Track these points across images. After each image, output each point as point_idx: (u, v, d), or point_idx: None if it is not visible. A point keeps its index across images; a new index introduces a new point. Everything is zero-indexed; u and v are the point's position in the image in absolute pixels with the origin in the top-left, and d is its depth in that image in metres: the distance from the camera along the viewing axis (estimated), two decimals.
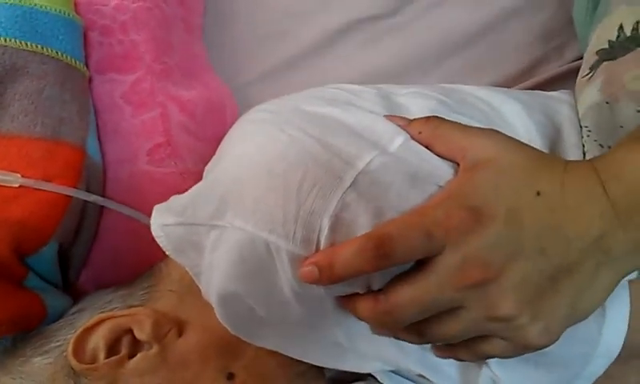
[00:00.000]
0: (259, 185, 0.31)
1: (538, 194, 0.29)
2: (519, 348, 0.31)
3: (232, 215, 0.32)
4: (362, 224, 0.30)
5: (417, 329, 0.31)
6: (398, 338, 0.32)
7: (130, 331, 0.37)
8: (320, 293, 0.31)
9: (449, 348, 0.33)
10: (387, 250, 0.29)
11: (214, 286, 0.33)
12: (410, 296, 0.29)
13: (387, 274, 0.30)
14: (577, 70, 0.56)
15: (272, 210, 0.31)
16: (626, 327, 0.34)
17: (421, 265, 0.30)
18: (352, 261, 0.29)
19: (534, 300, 0.29)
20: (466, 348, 0.32)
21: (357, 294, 0.31)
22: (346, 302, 0.32)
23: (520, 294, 0.29)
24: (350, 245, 0.29)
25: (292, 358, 0.36)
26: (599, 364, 0.35)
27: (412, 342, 0.32)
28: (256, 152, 0.33)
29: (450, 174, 0.31)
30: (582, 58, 0.58)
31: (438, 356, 0.34)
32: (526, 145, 0.32)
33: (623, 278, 0.31)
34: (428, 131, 0.33)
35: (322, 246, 0.30)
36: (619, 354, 0.35)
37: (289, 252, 0.31)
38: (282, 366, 0.37)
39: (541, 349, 0.30)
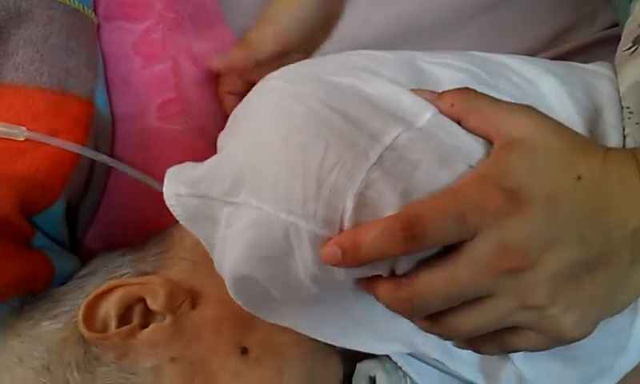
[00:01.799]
0: (276, 161, 0.30)
1: (579, 178, 0.28)
2: (551, 340, 0.29)
3: (247, 193, 0.30)
4: (389, 203, 0.28)
5: (438, 319, 0.29)
6: (419, 327, 0.31)
7: (142, 300, 0.36)
8: (340, 276, 0.30)
9: (470, 339, 0.31)
10: (417, 232, 0.27)
11: (227, 265, 0.32)
12: (436, 282, 0.28)
13: (413, 259, 0.29)
14: (610, 38, 0.54)
15: (291, 189, 0.29)
16: None
17: (448, 250, 0.28)
18: (378, 243, 0.27)
19: (570, 290, 0.28)
20: (492, 340, 0.30)
21: (378, 276, 0.30)
22: (366, 283, 0.31)
23: (556, 282, 0.27)
24: (377, 225, 0.28)
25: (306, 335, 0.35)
26: (630, 358, 0.34)
27: (431, 333, 0.30)
28: (272, 126, 0.31)
29: (481, 152, 0.29)
30: (614, 26, 0.55)
31: (458, 347, 0.32)
32: (564, 126, 0.30)
33: None
34: (461, 104, 0.31)
35: (345, 227, 0.29)
36: None
37: (309, 232, 0.29)
38: (296, 341, 0.36)
39: (574, 341, 0.29)
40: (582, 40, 0.54)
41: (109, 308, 0.36)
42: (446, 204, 0.27)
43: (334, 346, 0.37)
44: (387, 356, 0.38)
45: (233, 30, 0.49)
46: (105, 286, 0.36)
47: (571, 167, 0.28)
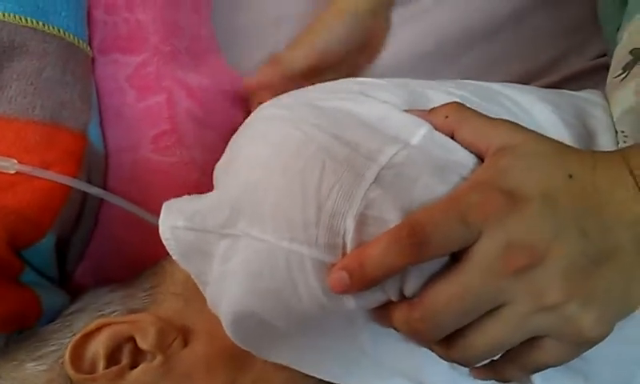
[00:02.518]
0: (274, 189, 0.29)
1: (570, 176, 0.28)
2: (574, 344, 0.28)
3: (246, 224, 0.30)
4: (390, 220, 0.28)
5: (456, 342, 0.28)
6: (439, 356, 0.30)
7: (131, 339, 0.35)
8: (350, 306, 0.29)
9: (490, 366, 0.30)
10: (422, 237, 0.26)
11: (228, 303, 0.31)
12: (447, 295, 0.27)
13: (420, 276, 0.28)
14: (599, 67, 0.55)
15: (290, 216, 0.29)
16: None
17: (455, 261, 0.28)
18: (384, 256, 0.27)
19: (583, 285, 0.27)
20: (512, 362, 0.29)
21: (389, 305, 0.29)
22: (380, 313, 0.30)
23: (568, 277, 0.27)
24: (381, 239, 0.27)
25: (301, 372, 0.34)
26: None
27: (451, 360, 0.29)
28: (268, 153, 0.31)
29: (473, 163, 0.30)
30: (603, 56, 0.56)
31: (477, 378, 0.31)
32: (549, 137, 0.31)
33: None
34: (455, 116, 0.31)
35: (348, 249, 0.28)
36: None
37: (313, 259, 0.29)
38: (291, 380, 0.35)
39: (594, 343, 0.28)
40: (572, 69, 0.55)
41: (97, 347, 0.34)
42: (447, 208, 0.27)
43: None
44: None
45: (228, 63, 0.49)
46: (93, 325, 0.35)
47: (562, 166, 0.29)
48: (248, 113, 0.36)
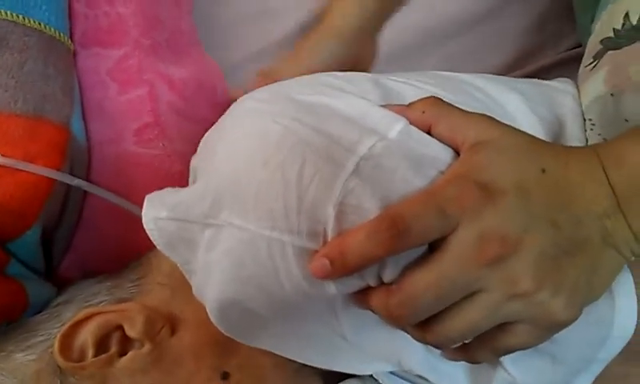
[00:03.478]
0: (255, 179, 0.30)
1: (543, 171, 0.30)
2: (543, 330, 0.30)
3: (228, 213, 0.31)
4: (369, 209, 0.29)
5: (431, 326, 0.29)
6: (415, 338, 0.31)
7: (120, 328, 0.36)
8: (331, 291, 0.30)
9: (462, 348, 0.31)
10: (401, 228, 0.27)
11: (212, 291, 0.32)
12: (425, 282, 0.28)
13: (398, 264, 0.29)
14: (574, 58, 0.56)
15: (272, 205, 0.30)
16: (636, 305, 0.34)
17: (432, 250, 0.29)
18: (365, 246, 0.28)
19: (554, 274, 0.29)
20: (483, 345, 0.31)
21: (368, 290, 0.30)
22: (360, 297, 0.31)
23: (539, 267, 0.28)
24: (361, 229, 0.28)
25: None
26: (613, 346, 0.35)
27: (426, 343, 0.31)
28: (249, 145, 0.31)
29: (450, 158, 0.31)
30: (578, 47, 0.58)
31: (449, 358, 0.33)
32: (524, 131, 0.32)
33: (627, 260, 0.31)
34: (431, 111, 0.32)
35: (329, 237, 0.29)
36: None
37: (295, 247, 0.29)
38: (277, 364, 0.36)
39: (564, 325, 0.30)
40: (546, 61, 0.56)
41: (86, 336, 0.35)
42: (426, 200, 0.28)
43: (315, 368, 0.37)
44: (371, 376, 0.38)
45: (209, 55, 0.49)
46: (81, 315, 0.36)
47: (536, 161, 0.30)
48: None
